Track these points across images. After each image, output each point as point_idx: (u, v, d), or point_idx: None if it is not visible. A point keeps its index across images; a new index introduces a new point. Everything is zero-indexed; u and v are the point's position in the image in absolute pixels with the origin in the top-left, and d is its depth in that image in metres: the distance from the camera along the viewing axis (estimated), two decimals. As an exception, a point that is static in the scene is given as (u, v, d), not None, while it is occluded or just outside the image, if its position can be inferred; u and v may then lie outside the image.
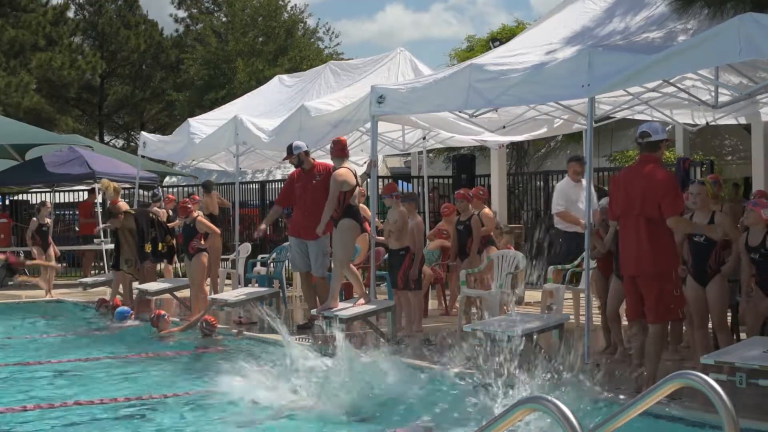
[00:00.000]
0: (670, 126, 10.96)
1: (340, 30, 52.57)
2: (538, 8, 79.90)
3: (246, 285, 13.02)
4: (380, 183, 13.86)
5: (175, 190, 23.16)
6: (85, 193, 21.07)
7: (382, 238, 10.69)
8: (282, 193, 11.62)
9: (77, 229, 21.27)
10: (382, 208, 12.74)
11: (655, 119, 11.14)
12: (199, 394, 7.55)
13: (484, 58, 9.53)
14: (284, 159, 11.17)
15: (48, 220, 15.42)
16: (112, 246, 15.31)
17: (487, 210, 11.18)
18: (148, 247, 13.05)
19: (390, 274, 10.74)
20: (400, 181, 18.90)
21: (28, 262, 14.99)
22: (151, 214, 13.32)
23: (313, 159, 11.00)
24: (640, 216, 6.79)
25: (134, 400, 7.42)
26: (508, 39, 14.15)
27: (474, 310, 10.63)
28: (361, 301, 9.69)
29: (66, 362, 9.34)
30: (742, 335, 7.84)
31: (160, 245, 13.14)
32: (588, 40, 8.99)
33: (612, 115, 10.55)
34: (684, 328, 8.14)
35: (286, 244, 12.16)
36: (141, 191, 17.80)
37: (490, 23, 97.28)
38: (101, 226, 16.08)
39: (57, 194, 21.40)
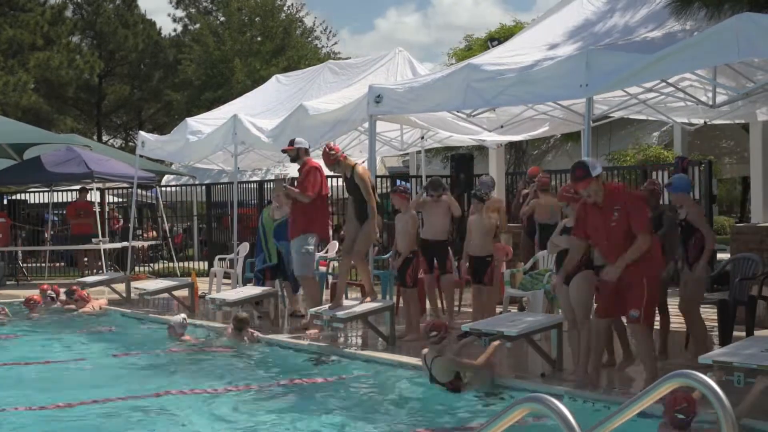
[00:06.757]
0: (669, 125, 10.96)
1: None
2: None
3: (245, 284, 13.00)
4: (379, 183, 13.84)
5: (175, 189, 23.20)
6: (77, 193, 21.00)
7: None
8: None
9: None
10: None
11: (653, 119, 11.18)
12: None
13: (482, 58, 9.52)
14: (285, 150, 10.55)
15: None
16: (110, 246, 15.24)
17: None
18: None
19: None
20: (398, 181, 18.84)
21: None
22: None
23: (307, 158, 10.37)
24: None
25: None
26: (506, 38, 14.13)
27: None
28: (368, 299, 9.48)
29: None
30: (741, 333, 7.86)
31: None
32: (586, 39, 9.00)
33: (610, 115, 10.55)
34: None
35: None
36: (140, 191, 17.74)
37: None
38: None
39: (55, 194, 21.38)
